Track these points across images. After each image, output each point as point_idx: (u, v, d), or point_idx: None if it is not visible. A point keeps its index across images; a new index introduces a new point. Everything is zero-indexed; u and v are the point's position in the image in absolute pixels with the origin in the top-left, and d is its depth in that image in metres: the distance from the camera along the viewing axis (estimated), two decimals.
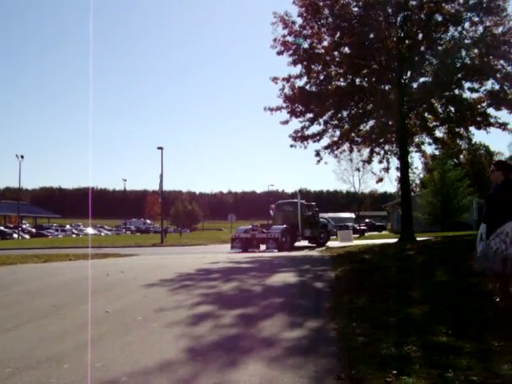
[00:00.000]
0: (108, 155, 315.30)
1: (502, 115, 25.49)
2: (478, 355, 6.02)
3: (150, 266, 17.95)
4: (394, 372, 5.49)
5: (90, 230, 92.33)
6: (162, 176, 50.98)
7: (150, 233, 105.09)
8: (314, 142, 26.98)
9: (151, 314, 8.81)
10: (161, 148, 49.93)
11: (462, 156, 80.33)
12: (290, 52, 25.60)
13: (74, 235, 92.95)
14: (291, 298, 10.53)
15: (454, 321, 7.68)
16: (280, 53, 25.67)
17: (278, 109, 26.32)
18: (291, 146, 26.92)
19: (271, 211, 37.29)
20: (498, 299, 8.59)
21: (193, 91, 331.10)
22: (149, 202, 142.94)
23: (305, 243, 35.21)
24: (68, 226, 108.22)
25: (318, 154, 27.17)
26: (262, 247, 31.27)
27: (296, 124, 27.30)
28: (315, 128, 26.83)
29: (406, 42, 25.12)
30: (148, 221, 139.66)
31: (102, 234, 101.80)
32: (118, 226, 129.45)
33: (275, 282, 12.82)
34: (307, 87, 26.11)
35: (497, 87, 24.56)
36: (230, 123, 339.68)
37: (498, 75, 24.18)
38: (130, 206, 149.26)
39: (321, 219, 36.88)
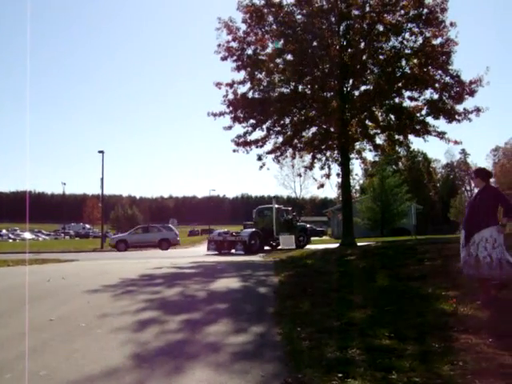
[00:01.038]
0: (47, 158, 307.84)
1: (440, 124, 26.23)
2: (419, 357, 6.19)
3: (92, 272, 17.63)
4: (340, 375, 5.58)
5: (27, 235, 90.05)
6: (102, 180, 50.22)
7: (89, 237, 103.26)
8: (257, 147, 27.11)
9: (95, 321, 8.67)
10: (102, 151, 49.10)
11: (400, 163, 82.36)
12: (234, 58, 25.69)
13: (10, 240, 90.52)
14: (236, 303, 10.55)
15: (396, 324, 7.86)
16: (224, 58, 25.74)
17: (221, 114, 26.32)
18: (234, 151, 27.01)
19: (253, 215, 38.17)
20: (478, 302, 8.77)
21: (135, 95, 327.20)
22: (88, 206, 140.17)
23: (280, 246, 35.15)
24: (4, 231, 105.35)
25: (260, 158, 27.27)
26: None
27: (239, 129, 27.43)
28: (258, 134, 26.99)
29: (349, 50, 25.54)
30: (87, 225, 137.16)
31: (40, 238, 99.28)
32: (56, 231, 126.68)
33: (219, 288, 12.82)
34: (250, 93, 26.24)
35: (435, 97, 25.30)
36: (173, 127, 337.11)
37: (437, 85, 24.90)
38: (69, 210, 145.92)
39: (301, 223, 38.43)
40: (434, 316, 8.31)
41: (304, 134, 27.74)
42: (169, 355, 6.56)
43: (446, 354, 6.27)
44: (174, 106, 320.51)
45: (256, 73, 25.93)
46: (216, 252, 32.26)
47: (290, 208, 40.08)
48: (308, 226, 40.58)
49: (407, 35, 25.20)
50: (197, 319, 8.88)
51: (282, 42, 25.29)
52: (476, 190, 9.36)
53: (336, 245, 28.41)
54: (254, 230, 33.41)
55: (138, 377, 5.68)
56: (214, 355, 6.61)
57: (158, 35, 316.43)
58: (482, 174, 9.17)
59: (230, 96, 26.14)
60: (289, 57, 25.85)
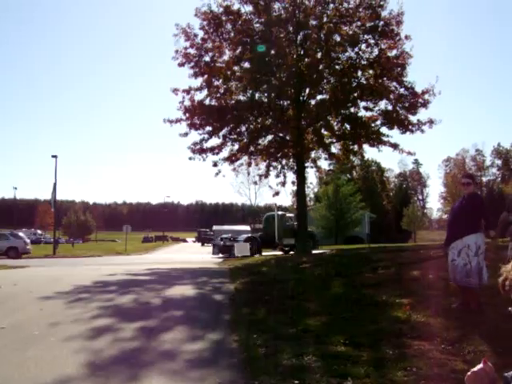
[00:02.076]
0: None
1: (394, 134, 26.59)
2: (374, 363, 6.27)
3: (45, 278, 17.30)
4: (296, 382, 5.62)
5: None
6: (55, 185, 49.29)
7: (41, 243, 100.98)
8: (213, 154, 27.02)
9: (49, 328, 8.51)
10: (55, 156, 48.20)
11: (354, 172, 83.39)
12: (192, 64, 25.59)
13: None
14: (191, 311, 10.51)
15: (351, 331, 7.94)
16: (181, 64, 25.60)
17: (178, 121, 26.12)
18: (190, 158, 26.83)
19: (262, 222, 40.50)
20: (454, 305, 9.00)
21: (90, 99, 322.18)
22: (40, 211, 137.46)
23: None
24: None
25: (215, 164, 27.18)
26: None
27: (195, 136, 27.30)
28: (214, 141, 26.90)
29: (306, 59, 25.70)
30: (39, 231, 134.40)
31: None
32: None
33: (174, 295, 12.75)
34: (207, 100, 26.15)
35: (390, 107, 25.69)
36: (128, 133, 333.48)
37: (392, 96, 25.31)
38: (21, 216, 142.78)
39: (309, 230, 37.49)
40: (388, 323, 8.43)
41: (260, 141, 27.77)
42: (124, 363, 6.49)
43: (399, 361, 6.36)
44: (130, 112, 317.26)
45: (213, 80, 25.89)
46: (220, 255, 35.06)
47: (292, 215, 40.72)
48: (313, 232, 41.51)
49: (363, 46, 25.57)
50: (152, 326, 8.81)
51: (240, 48, 25.35)
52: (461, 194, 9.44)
53: (291, 252, 28.55)
54: (249, 235, 36.30)
55: None
56: (170, 363, 6.57)
57: (115, 38, 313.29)
58: (475, 180, 9.36)
59: (187, 103, 26.00)
60: (246, 64, 25.90)
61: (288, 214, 40.69)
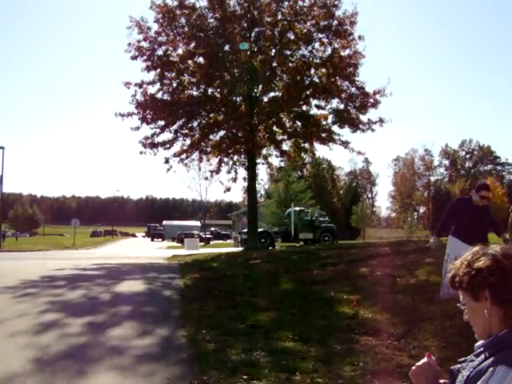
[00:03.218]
0: None
1: (345, 133, 26.89)
2: (322, 358, 6.37)
3: None
4: (245, 377, 5.66)
5: None
6: (1, 177, 48.10)
7: None
8: (165, 149, 26.77)
9: None
10: (2, 148, 47.02)
11: (305, 169, 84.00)
12: (144, 58, 25.28)
13: None
14: (140, 306, 10.44)
15: (300, 326, 8.03)
16: (134, 58, 25.26)
17: (130, 115, 25.75)
18: (141, 152, 26.53)
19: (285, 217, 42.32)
20: None
21: (39, 90, 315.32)
22: None
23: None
24: None
25: (167, 161, 26.98)
26: None
27: (147, 130, 26.93)
28: (166, 136, 26.65)
29: (259, 56, 25.70)
30: None
31: None
32: None
33: (123, 290, 12.63)
34: (160, 94, 25.89)
35: (341, 106, 25.97)
36: (78, 125, 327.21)
37: (343, 95, 25.57)
38: None
39: (328, 224, 40.41)
40: (336, 319, 8.56)
41: (212, 137, 27.67)
42: (71, 359, 6.42)
43: (347, 356, 6.48)
44: (81, 104, 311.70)
45: (166, 74, 25.67)
46: (241, 248, 35.10)
47: (309, 210, 43.08)
48: (333, 226, 41.93)
49: (317, 45, 25.72)
50: (100, 322, 8.72)
51: (192, 44, 25.24)
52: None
53: (241, 249, 28.60)
54: (263, 229, 37.91)
55: (39, 381, 5.53)
56: (118, 358, 6.52)
57: (66, 29, 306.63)
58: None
59: (139, 96, 25.66)
60: (200, 59, 25.77)
61: (306, 210, 42.48)
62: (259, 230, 35.82)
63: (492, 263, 1.85)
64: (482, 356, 1.83)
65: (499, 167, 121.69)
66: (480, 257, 1.89)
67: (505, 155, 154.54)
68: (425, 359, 2.03)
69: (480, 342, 1.91)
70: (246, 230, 38.25)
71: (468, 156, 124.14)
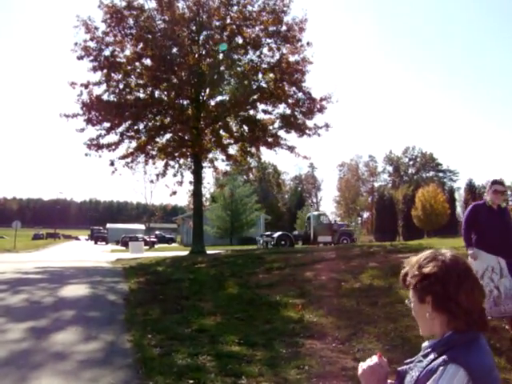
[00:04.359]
0: None
1: (292, 138, 27.07)
2: (268, 362, 6.42)
3: None
4: (191, 382, 5.66)
5: None
6: None
7: None
8: (110, 151, 26.38)
9: None
10: None
11: (251, 173, 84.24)
12: (91, 58, 24.89)
13: None
14: (84, 310, 10.27)
15: (246, 331, 8.06)
16: (80, 58, 24.83)
17: (75, 116, 25.29)
18: (86, 154, 26.08)
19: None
20: None
21: None
22: None
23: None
24: None
25: (112, 163, 26.61)
26: None
27: (92, 132, 26.47)
28: (111, 138, 26.28)
29: (207, 60, 25.69)
30: None
31: None
32: None
33: (67, 294, 12.40)
34: (106, 96, 25.53)
35: (288, 111, 26.16)
36: (20, 126, 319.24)
37: (290, 100, 25.78)
38: None
39: (346, 228, 43.93)
40: (281, 323, 8.62)
41: (158, 140, 27.47)
42: (12, 365, 6.28)
43: (292, 359, 6.54)
44: (24, 104, 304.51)
45: (113, 75, 25.33)
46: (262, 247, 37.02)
47: (328, 214, 46.22)
48: (351, 230, 45.05)
49: (265, 50, 25.83)
50: (43, 327, 8.55)
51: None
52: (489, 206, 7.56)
53: (186, 252, 28.44)
54: (283, 232, 40.47)
55: None
56: (61, 364, 6.41)
57: (9, 26, 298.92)
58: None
59: (85, 97, 25.25)
60: (147, 61, 25.56)
61: (324, 214, 44.67)
62: (279, 232, 40.33)
63: (438, 271, 1.91)
64: (431, 356, 1.90)
65: (441, 174, 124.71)
66: (430, 262, 1.95)
67: (446, 162, 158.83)
68: (375, 359, 2.07)
69: (427, 343, 1.98)
70: (269, 233, 42.58)
71: (411, 162, 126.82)
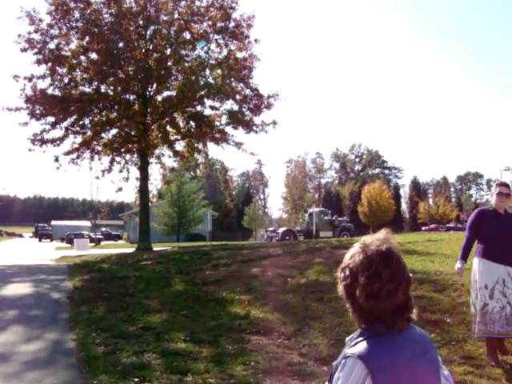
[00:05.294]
0: None
1: (239, 134, 27.07)
2: (214, 359, 6.43)
3: None
4: (136, 380, 5.63)
5: None
6: None
7: None
8: (54, 146, 25.85)
9: None
10: None
11: (198, 170, 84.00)
12: (35, 50, 24.30)
13: None
14: (27, 310, 10.05)
15: (192, 327, 8.05)
16: (24, 50, 24.21)
17: (18, 109, 24.67)
18: (29, 149, 25.49)
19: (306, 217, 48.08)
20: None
21: None
22: None
23: None
24: None
25: (57, 159, 26.10)
26: None
27: (36, 127, 25.90)
28: (56, 133, 25.75)
29: (155, 55, 25.41)
30: None
31: None
32: None
33: (9, 293, 12.12)
34: (50, 89, 24.97)
35: (235, 108, 26.14)
36: None
37: (238, 97, 25.78)
38: None
39: (346, 224, 46.19)
40: (228, 319, 8.64)
41: (104, 135, 27.08)
42: None
43: (238, 355, 6.57)
44: None
45: (57, 68, 24.79)
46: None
47: (330, 211, 49.02)
48: (351, 226, 47.37)
49: (213, 46, 25.79)
50: None
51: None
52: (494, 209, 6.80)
53: (132, 249, 28.16)
54: (287, 228, 46.06)
55: None
56: (3, 365, 6.27)
57: None
58: None
59: (28, 90, 24.66)
60: (93, 55, 25.13)
61: (326, 211, 48.40)
62: (284, 228, 45.66)
63: (353, 266, 1.93)
64: (345, 350, 1.94)
65: (386, 171, 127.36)
66: (350, 257, 1.97)
67: (392, 160, 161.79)
68: None
69: (349, 336, 2.01)
70: (273, 229, 48.05)
71: (357, 159, 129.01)
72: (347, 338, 2.01)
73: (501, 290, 6.27)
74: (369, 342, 1.85)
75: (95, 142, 26.94)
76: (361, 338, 1.89)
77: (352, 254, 1.96)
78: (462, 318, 7.93)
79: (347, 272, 1.93)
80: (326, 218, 45.19)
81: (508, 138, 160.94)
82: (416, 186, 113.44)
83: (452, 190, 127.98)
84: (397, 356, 1.84)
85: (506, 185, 6.94)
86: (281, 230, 44.23)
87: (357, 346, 1.87)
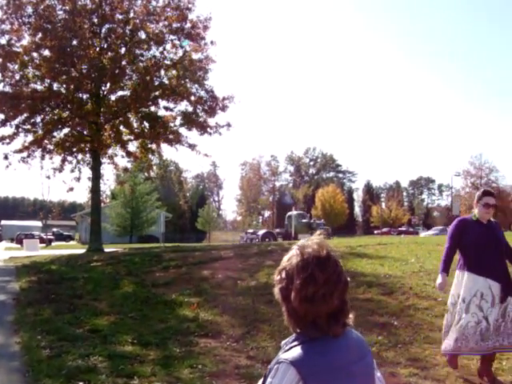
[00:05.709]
0: None
1: (193, 135, 26.95)
2: (161, 362, 6.40)
3: None
4: (81, 383, 5.54)
5: None
6: None
7: None
8: (4, 144, 25.31)
9: None
10: None
11: (152, 171, 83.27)
12: None
13: None
14: None
15: (140, 330, 7.98)
16: None
17: None
18: None
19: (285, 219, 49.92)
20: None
21: None
22: None
23: None
24: None
25: (6, 157, 25.56)
26: None
27: None
28: (6, 130, 25.23)
29: (109, 53, 25.10)
30: None
31: None
32: None
33: None
34: (1, 86, 24.36)
35: (190, 109, 26.04)
36: None
37: (192, 98, 25.69)
38: None
39: (324, 226, 47.39)
40: (176, 321, 8.61)
41: (56, 134, 26.62)
42: None
43: (186, 358, 6.55)
44: None
45: (8, 65, 24.27)
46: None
47: (308, 214, 53.18)
48: (329, 228, 49.36)
49: (168, 46, 25.61)
50: None
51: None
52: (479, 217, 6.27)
53: (83, 250, 27.77)
54: (267, 230, 48.17)
55: None
56: None
57: None
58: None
59: None
60: (46, 52, 24.68)
61: (304, 214, 51.18)
62: (263, 230, 47.72)
63: (289, 269, 1.93)
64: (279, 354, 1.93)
65: (340, 175, 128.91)
66: (288, 259, 1.98)
67: (345, 163, 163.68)
68: None
69: (284, 340, 2.00)
70: (252, 231, 49.26)
71: (312, 163, 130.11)
72: (282, 342, 1.99)
73: (477, 303, 5.89)
74: (303, 348, 1.84)
75: (47, 141, 26.43)
76: (295, 343, 1.89)
77: (289, 257, 1.96)
78: (408, 321, 8.07)
79: (283, 274, 1.93)
80: (303, 220, 47.26)
81: (459, 144, 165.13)
82: (369, 190, 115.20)
83: (404, 194, 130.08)
84: (330, 362, 1.84)
85: (492, 194, 6.36)
86: (261, 232, 46.54)
87: (291, 351, 1.86)
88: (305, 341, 1.87)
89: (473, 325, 5.84)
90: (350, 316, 1.97)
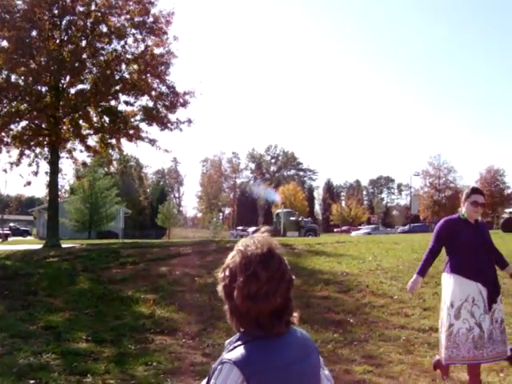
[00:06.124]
0: None
1: (154, 131, 26.75)
2: (115, 359, 6.34)
3: None
4: (32, 382, 5.49)
5: None
6: None
7: None
8: None
9: None
10: None
11: (112, 166, 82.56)
12: None
13: None
14: None
15: (94, 327, 7.90)
16: None
17: None
18: None
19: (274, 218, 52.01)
20: None
21: None
22: None
23: None
24: None
25: None
26: None
27: None
28: None
29: (69, 46, 24.70)
30: None
31: None
32: None
33: None
34: None
35: (151, 104, 25.82)
36: None
37: (153, 93, 25.48)
38: None
39: (311, 225, 50.27)
40: (132, 318, 8.54)
41: (13, 127, 26.14)
42: None
43: (141, 356, 6.50)
44: None
45: None
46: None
47: (297, 212, 53.88)
48: (316, 226, 52.97)
49: (130, 40, 25.29)
50: None
51: None
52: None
53: (40, 246, 27.35)
54: (257, 228, 44.98)
55: None
56: None
57: None
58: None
59: None
60: (4, 43, 24.17)
61: (293, 212, 51.95)
62: (254, 228, 47.37)
63: (232, 266, 1.90)
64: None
65: (301, 173, 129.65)
66: (232, 257, 1.94)
67: (306, 162, 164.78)
68: None
69: (228, 340, 1.99)
70: (242, 228, 51.32)
71: (273, 161, 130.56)
72: (226, 342, 1.98)
73: (469, 309, 5.49)
74: (246, 347, 1.83)
75: (4, 134, 25.94)
76: (239, 343, 1.87)
77: (233, 255, 1.94)
78: (364, 319, 8.15)
79: (227, 272, 1.91)
80: (292, 218, 48.25)
81: (419, 144, 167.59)
82: (329, 189, 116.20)
83: (364, 193, 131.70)
84: (274, 361, 1.83)
85: (481, 193, 5.96)
86: (251, 230, 48.32)
87: (234, 350, 1.84)
88: (248, 340, 1.86)
89: (464, 332, 5.47)
90: (295, 314, 1.96)
